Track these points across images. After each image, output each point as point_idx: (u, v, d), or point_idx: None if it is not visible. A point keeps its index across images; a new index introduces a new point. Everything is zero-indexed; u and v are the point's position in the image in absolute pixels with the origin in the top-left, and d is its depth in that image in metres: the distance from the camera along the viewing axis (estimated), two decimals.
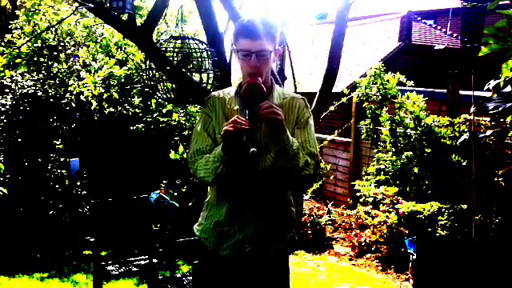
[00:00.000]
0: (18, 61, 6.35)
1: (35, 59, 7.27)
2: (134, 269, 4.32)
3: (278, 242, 2.04)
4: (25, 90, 7.18)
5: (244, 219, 2.00)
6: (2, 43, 6.86)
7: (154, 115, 7.14)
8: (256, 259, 2.02)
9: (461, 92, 6.28)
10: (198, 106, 7.07)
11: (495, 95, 2.77)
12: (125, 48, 7.08)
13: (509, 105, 2.55)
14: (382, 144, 6.66)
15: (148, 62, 3.46)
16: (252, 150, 1.80)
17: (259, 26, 1.92)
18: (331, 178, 8.34)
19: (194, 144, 2.04)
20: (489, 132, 3.25)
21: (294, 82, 4.94)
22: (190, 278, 3.76)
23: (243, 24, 1.95)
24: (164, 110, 7.09)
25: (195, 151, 2.02)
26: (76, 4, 4.45)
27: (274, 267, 2.07)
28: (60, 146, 7.11)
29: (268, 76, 2.03)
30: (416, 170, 5.81)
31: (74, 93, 7.15)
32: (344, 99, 6.86)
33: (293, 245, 2.11)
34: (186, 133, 7.18)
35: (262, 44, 1.91)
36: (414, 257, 4.76)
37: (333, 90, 4.18)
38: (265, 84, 1.95)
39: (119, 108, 7.24)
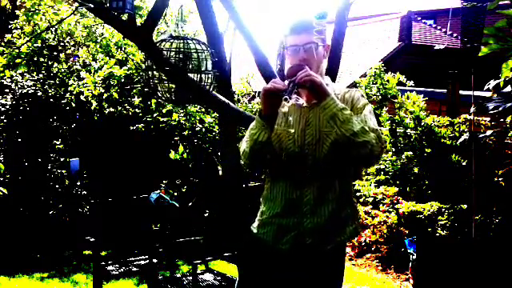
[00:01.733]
0: (18, 61, 6.34)
1: (35, 59, 7.26)
2: (134, 269, 4.32)
3: (339, 235, 2.03)
4: (25, 90, 7.18)
5: (302, 210, 1.99)
6: (2, 43, 6.86)
7: (154, 115, 7.13)
8: (315, 252, 2.01)
9: (461, 92, 6.29)
10: (198, 106, 7.07)
11: (495, 95, 2.77)
12: (125, 48, 7.08)
13: (509, 105, 2.55)
14: None
15: (148, 61, 3.46)
16: (285, 97, 1.80)
17: (304, 21, 2.02)
18: None
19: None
20: (489, 132, 3.25)
21: None
22: (190, 278, 3.76)
23: (290, 23, 2.04)
24: (164, 110, 7.09)
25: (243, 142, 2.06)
26: (76, 4, 4.45)
27: (332, 260, 2.06)
28: (60, 146, 7.11)
29: (320, 71, 2.04)
30: (416, 169, 5.81)
31: (74, 93, 7.15)
32: None
33: (355, 236, 2.11)
34: (185, 133, 7.18)
35: (308, 37, 1.99)
36: (414, 257, 4.76)
37: None
38: None
39: (119, 108, 7.24)
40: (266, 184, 2.13)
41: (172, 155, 6.75)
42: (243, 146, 2.02)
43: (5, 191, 4.61)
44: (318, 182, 1.99)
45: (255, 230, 2.12)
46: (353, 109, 1.99)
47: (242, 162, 2.06)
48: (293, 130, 2.02)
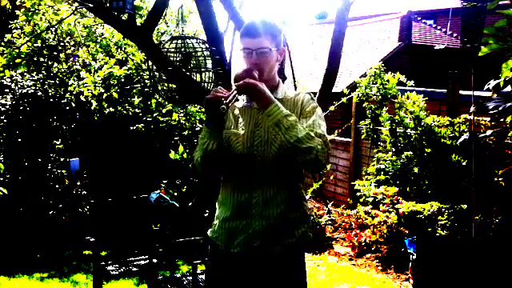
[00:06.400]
0: (18, 61, 6.35)
1: (35, 59, 7.27)
2: (134, 269, 4.31)
3: (287, 238, 2.03)
4: (25, 90, 7.18)
5: (251, 213, 2.00)
6: (2, 43, 6.86)
7: (154, 115, 7.14)
8: (265, 255, 2.01)
9: (461, 92, 6.28)
10: (198, 106, 7.08)
11: (495, 95, 2.77)
12: (125, 48, 7.08)
13: (509, 105, 2.55)
14: (382, 144, 6.66)
15: (148, 62, 3.46)
16: (222, 106, 1.82)
17: (259, 25, 2.01)
18: (331, 177, 8.34)
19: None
20: (489, 132, 3.25)
21: (294, 82, 4.95)
22: (190, 278, 3.76)
23: (246, 24, 2.05)
24: (164, 110, 7.10)
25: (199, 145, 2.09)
26: (76, 4, 4.45)
27: (286, 263, 2.05)
28: (60, 146, 7.11)
29: (272, 74, 2.09)
30: (416, 170, 5.80)
31: (74, 93, 7.15)
32: (344, 99, 6.86)
33: (305, 240, 2.09)
34: (185, 133, 7.19)
35: (261, 42, 2.00)
36: (414, 257, 4.76)
37: (333, 90, 4.19)
38: (268, 82, 2.03)
39: (119, 108, 7.24)
40: (221, 189, 2.14)
41: (172, 155, 6.75)
42: (196, 155, 2.06)
43: (5, 191, 4.61)
44: (267, 185, 2.00)
45: (210, 234, 2.14)
46: (302, 112, 2.03)
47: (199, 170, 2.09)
48: (242, 132, 2.03)
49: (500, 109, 2.57)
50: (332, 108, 6.60)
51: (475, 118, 4.79)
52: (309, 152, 1.86)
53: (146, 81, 6.75)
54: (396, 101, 6.40)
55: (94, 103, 6.85)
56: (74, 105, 7.35)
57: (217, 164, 2.05)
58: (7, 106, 7.02)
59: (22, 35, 6.93)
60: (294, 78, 4.83)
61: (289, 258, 2.06)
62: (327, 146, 1.93)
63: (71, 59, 7.83)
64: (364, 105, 6.93)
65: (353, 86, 7.57)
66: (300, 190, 2.11)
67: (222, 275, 2.10)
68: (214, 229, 2.12)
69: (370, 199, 6.03)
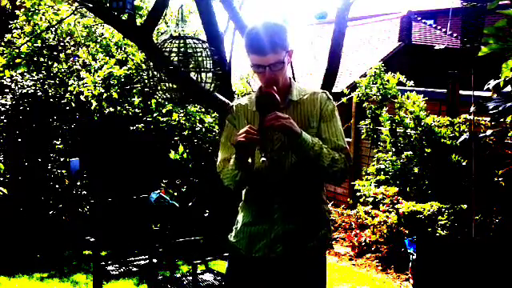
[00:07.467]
0: (18, 61, 6.34)
1: (35, 59, 7.27)
2: (134, 269, 4.31)
3: (310, 240, 2.02)
4: (25, 90, 7.18)
5: (272, 218, 1.99)
6: (2, 43, 6.86)
7: (154, 115, 7.14)
8: (288, 258, 2.00)
9: (461, 92, 6.29)
10: (198, 106, 7.08)
11: (495, 95, 2.77)
12: (125, 48, 7.08)
13: (509, 105, 2.55)
14: (382, 144, 6.67)
15: (148, 61, 3.46)
16: (262, 159, 1.79)
17: (266, 39, 1.87)
18: None
19: (220, 154, 2.09)
20: (489, 132, 3.25)
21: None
22: (190, 278, 3.76)
23: (251, 39, 1.91)
24: (164, 110, 7.09)
25: (221, 161, 2.06)
26: (76, 4, 4.45)
27: (309, 265, 2.04)
28: (60, 146, 7.11)
29: (284, 78, 2.03)
30: (416, 170, 5.81)
31: (74, 93, 7.15)
32: (344, 99, 6.86)
33: (326, 242, 2.09)
34: (185, 133, 7.19)
35: (273, 57, 1.89)
36: (414, 257, 4.76)
37: (333, 90, 4.19)
38: (282, 87, 1.98)
39: (119, 108, 7.24)
40: (243, 192, 2.13)
41: (172, 155, 6.75)
42: (225, 181, 2.03)
43: (5, 191, 4.61)
44: (288, 189, 1.98)
45: (230, 238, 2.13)
46: (321, 115, 2.00)
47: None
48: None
49: (500, 109, 2.57)
50: None
51: (475, 118, 4.79)
52: (334, 175, 1.93)
53: (146, 81, 6.75)
54: (396, 101, 6.41)
55: (94, 103, 6.85)
56: (74, 105, 7.35)
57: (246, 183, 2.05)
58: (7, 106, 7.02)
59: (22, 35, 6.93)
60: (293, 78, 4.82)
61: (310, 261, 2.05)
62: (349, 160, 1.96)
63: (71, 59, 7.83)
64: (364, 105, 6.93)
65: (353, 86, 7.57)
66: (321, 194, 2.09)
67: (243, 280, 2.08)
68: (235, 233, 2.10)
69: (370, 199, 6.04)
